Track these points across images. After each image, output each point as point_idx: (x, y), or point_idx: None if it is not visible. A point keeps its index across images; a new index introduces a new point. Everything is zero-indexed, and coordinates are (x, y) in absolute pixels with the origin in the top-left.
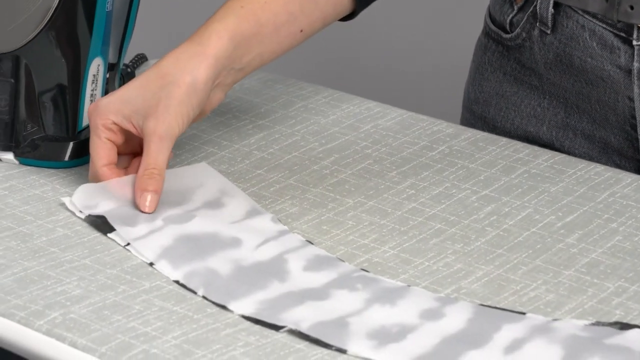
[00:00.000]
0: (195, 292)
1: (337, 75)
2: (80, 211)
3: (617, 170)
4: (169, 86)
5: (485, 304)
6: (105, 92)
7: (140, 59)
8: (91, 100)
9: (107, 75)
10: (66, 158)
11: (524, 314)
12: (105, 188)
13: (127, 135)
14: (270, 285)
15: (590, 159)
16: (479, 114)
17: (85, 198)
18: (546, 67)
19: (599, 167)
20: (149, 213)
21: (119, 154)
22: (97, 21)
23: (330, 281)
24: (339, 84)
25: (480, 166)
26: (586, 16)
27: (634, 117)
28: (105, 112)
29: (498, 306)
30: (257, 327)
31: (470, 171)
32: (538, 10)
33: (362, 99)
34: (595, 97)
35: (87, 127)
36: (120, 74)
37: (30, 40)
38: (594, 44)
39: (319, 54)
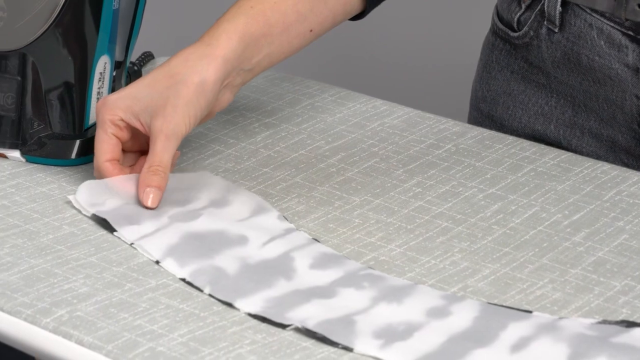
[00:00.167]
0: (201, 290)
1: (344, 74)
2: (86, 209)
3: (624, 169)
4: (178, 86)
5: (491, 302)
6: (112, 90)
7: (147, 57)
8: (98, 98)
9: (114, 73)
10: (73, 156)
11: (530, 312)
12: (108, 186)
13: (134, 132)
14: (276, 283)
15: (598, 157)
16: (486, 113)
17: (90, 196)
18: (554, 65)
19: (606, 166)
20: (152, 209)
21: (126, 151)
22: (103, 19)
23: (337, 279)
24: (345, 82)
25: (486, 164)
26: (594, 14)
27: None
28: (113, 108)
29: (504, 304)
30: (264, 325)
31: (477, 169)
32: (546, 8)
33: (369, 97)
34: (602, 96)
35: (94, 124)
36: (127, 72)
37: (37, 38)
38: (602, 43)
39: (326, 52)
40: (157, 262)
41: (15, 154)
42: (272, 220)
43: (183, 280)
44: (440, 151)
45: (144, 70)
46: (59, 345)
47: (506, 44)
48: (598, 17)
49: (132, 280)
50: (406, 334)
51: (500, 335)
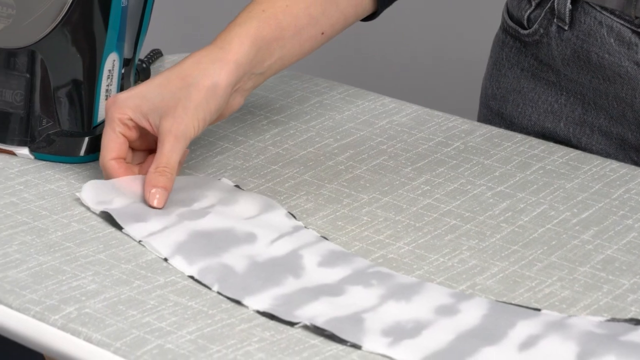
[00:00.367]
0: (210, 288)
1: (352, 71)
2: (94, 207)
3: (633, 167)
4: (189, 88)
5: (500, 300)
6: (121, 87)
7: (156, 55)
8: (107, 96)
9: (123, 71)
10: (81, 153)
11: (539, 310)
12: (115, 186)
13: (142, 132)
14: (285, 280)
15: (608, 155)
16: (496, 110)
17: (96, 194)
18: (564, 63)
19: (615, 164)
20: (158, 209)
21: (135, 149)
22: (112, 16)
23: (345, 277)
24: (354, 80)
25: (495, 162)
26: (604, 12)
27: None
28: (123, 106)
29: (513, 302)
30: (272, 323)
31: (486, 167)
32: (556, 6)
33: (377, 95)
34: (612, 94)
35: (103, 122)
36: (135, 70)
37: (45, 35)
38: (612, 40)
39: (335, 50)
40: (166, 260)
41: (24, 151)
42: (280, 217)
43: (191, 277)
44: (448, 149)
45: (152, 67)
46: (68, 342)
47: (516, 42)
48: (608, 14)
49: (141, 278)
50: (415, 332)
51: (508, 333)
